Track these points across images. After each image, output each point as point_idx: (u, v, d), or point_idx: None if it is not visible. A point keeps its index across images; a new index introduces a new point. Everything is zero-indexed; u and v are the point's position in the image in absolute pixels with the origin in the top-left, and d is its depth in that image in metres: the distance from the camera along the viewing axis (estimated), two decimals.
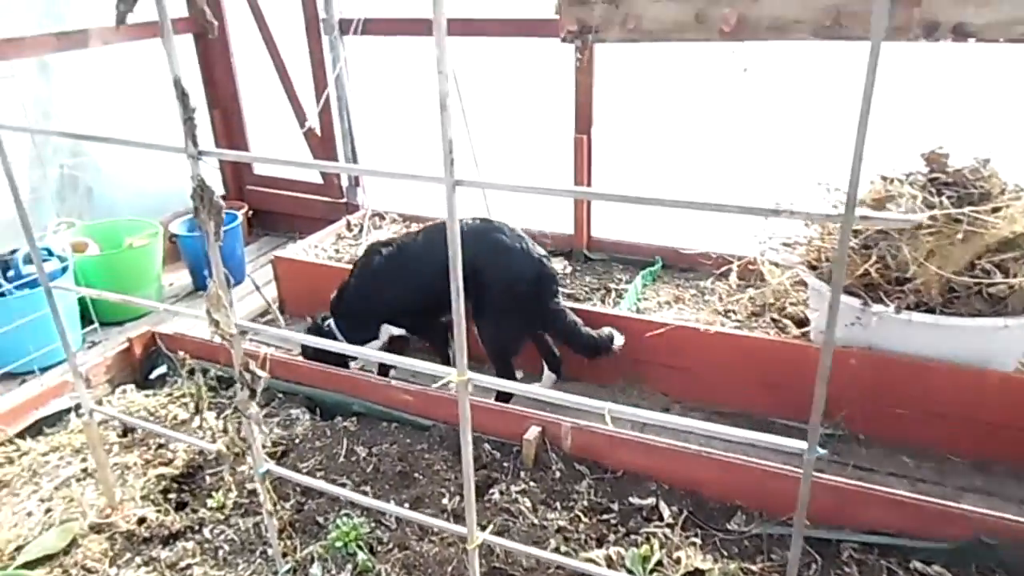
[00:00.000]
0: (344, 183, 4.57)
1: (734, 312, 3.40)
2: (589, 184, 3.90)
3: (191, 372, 2.94)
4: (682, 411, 3.13)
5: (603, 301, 3.66)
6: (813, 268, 2.84)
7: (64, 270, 3.54)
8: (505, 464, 2.54)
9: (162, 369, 3.27)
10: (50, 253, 3.62)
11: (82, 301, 3.66)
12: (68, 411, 2.95)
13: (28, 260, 3.50)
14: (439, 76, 1.34)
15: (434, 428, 2.72)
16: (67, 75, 3.98)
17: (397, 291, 3.04)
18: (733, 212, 1.28)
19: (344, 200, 4.59)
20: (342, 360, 3.11)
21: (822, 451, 1.28)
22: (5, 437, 2.76)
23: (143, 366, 3.26)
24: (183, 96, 1.52)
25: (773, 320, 3.18)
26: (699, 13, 2.82)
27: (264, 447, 2.67)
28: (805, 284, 3.02)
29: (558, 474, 2.48)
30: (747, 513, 2.28)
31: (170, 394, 3.05)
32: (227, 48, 4.55)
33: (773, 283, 3.11)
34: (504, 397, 2.98)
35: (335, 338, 3.08)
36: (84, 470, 2.62)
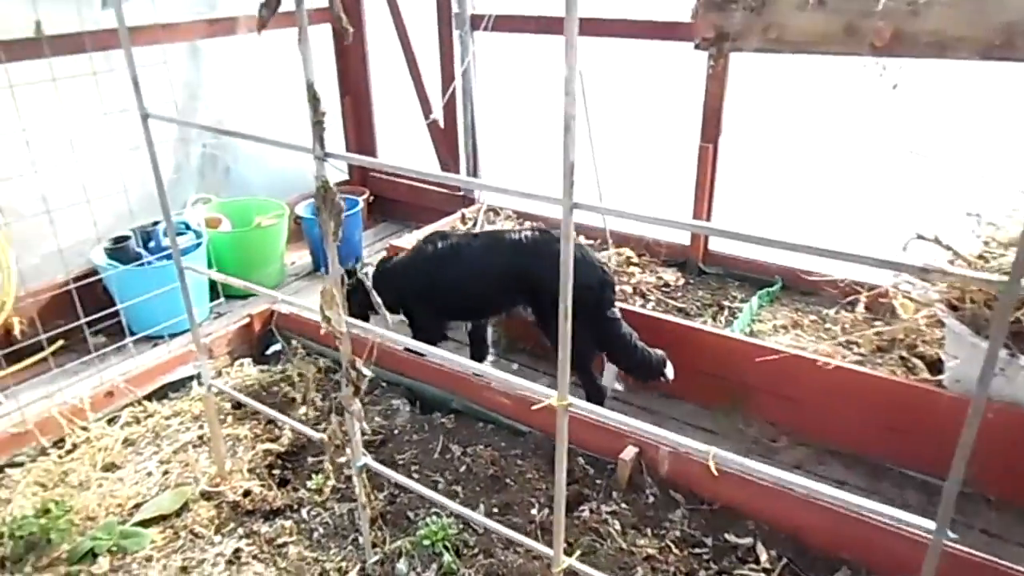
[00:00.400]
0: (462, 172, 4.62)
1: (856, 345, 3.18)
2: (711, 196, 3.76)
3: (306, 354, 3.09)
4: (790, 444, 2.96)
5: (714, 319, 3.52)
6: (954, 308, 2.61)
7: (198, 244, 3.76)
8: (598, 481, 2.49)
9: (277, 346, 3.42)
10: (187, 227, 3.86)
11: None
12: (191, 379, 3.14)
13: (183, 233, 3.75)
14: (566, 98, 1.30)
15: (529, 435, 2.71)
16: (215, 59, 4.21)
17: (439, 285, 3.08)
18: (871, 264, 1.18)
19: (461, 193, 4.64)
20: (364, 314, 3.15)
21: (952, 536, 1.16)
22: (135, 398, 2.98)
23: (260, 342, 3.43)
24: (314, 100, 1.55)
25: (901, 359, 2.95)
26: (849, 25, 2.63)
27: (364, 434, 2.74)
28: (942, 324, 2.77)
29: (651, 499, 2.41)
30: (853, 570, 2.12)
31: (283, 371, 3.19)
32: (362, 39, 4.69)
33: (906, 319, 2.87)
34: (596, 399, 2.98)
35: (365, 289, 3.09)
36: (200, 437, 2.78)
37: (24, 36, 3.16)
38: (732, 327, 3.33)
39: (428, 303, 3.15)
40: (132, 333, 3.46)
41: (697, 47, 3.12)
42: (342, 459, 2.01)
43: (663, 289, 3.75)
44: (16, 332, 3.48)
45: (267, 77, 4.47)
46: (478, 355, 3.43)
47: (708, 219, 3.83)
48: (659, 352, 2.97)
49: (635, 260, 3.96)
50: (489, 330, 3.49)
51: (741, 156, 3.76)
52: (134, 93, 1.97)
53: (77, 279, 3.41)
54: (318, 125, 1.57)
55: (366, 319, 3.18)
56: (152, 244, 3.69)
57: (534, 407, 1.54)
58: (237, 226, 4.19)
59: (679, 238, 3.97)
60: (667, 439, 1.45)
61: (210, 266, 3.75)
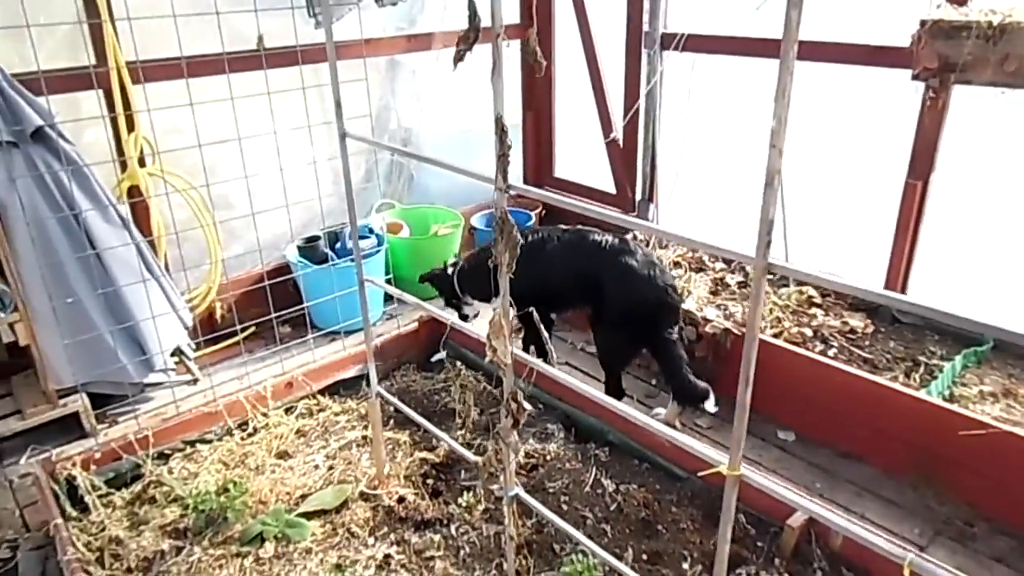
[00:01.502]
0: (637, 197, 4.51)
1: None
2: (915, 240, 3.39)
3: (466, 366, 3.13)
4: (989, 531, 2.59)
5: (908, 376, 3.16)
6: None
7: (379, 249, 3.96)
8: (759, 544, 2.31)
9: (442, 355, 3.51)
10: (370, 231, 4.07)
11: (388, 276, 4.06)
12: (361, 378, 3.30)
13: (368, 237, 3.98)
14: (771, 151, 1.19)
15: (687, 481, 2.57)
16: (409, 72, 4.42)
17: (520, 274, 2.98)
18: None
19: (635, 214, 4.53)
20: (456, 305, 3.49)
21: None
22: (310, 391, 3.17)
23: (427, 349, 3.54)
24: (502, 133, 1.54)
25: None
26: None
27: (517, 458, 2.74)
28: None
29: (819, 573, 2.19)
30: None
31: (445, 381, 3.27)
32: (549, 55, 4.72)
33: None
34: (615, 392, 3.13)
35: (450, 282, 3.42)
36: (364, 438, 2.91)
37: (248, 48, 3.48)
38: (929, 388, 2.97)
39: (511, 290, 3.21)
40: (314, 327, 3.70)
41: (916, 77, 2.81)
42: (495, 486, 2.00)
43: (848, 336, 3.43)
44: (217, 316, 3.85)
45: (456, 90, 4.62)
46: (531, 342, 3.58)
47: (909, 264, 3.46)
48: (704, 384, 2.99)
49: (817, 300, 3.66)
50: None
51: (953, 198, 3.36)
52: (335, 113, 2.08)
53: (271, 274, 3.71)
54: (503, 158, 1.56)
55: (459, 310, 3.51)
56: (339, 246, 3.93)
57: (701, 473, 1.43)
58: (415, 233, 4.37)
59: (873, 280, 3.62)
60: (849, 530, 1.29)
61: (388, 270, 3.94)
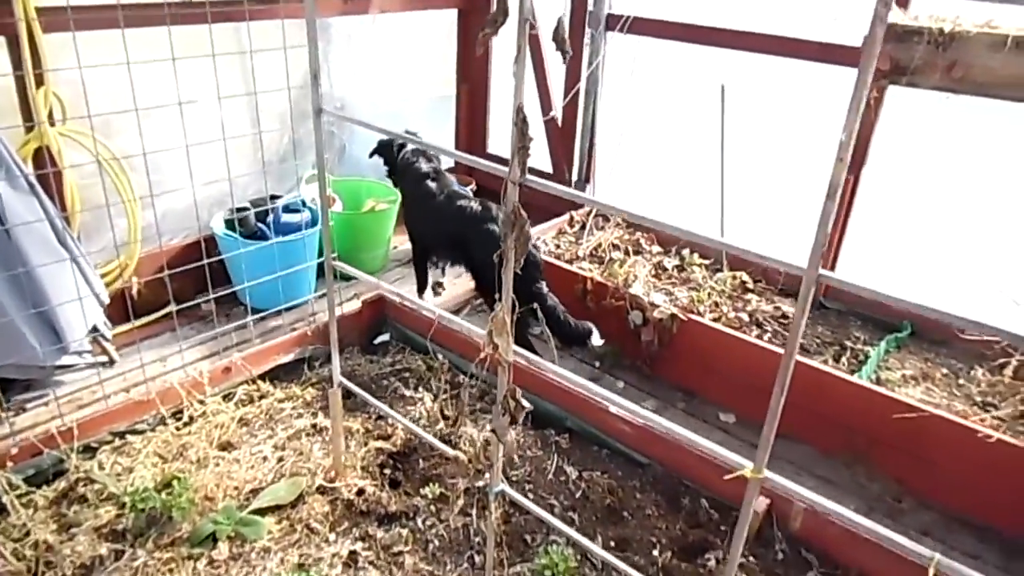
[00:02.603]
0: (573, 177, 4.51)
1: (995, 407, 2.98)
2: (843, 230, 3.57)
3: (412, 349, 3.03)
4: (915, 506, 2.79)
5: (836, 360, 3.34)
6: None
7: (314, 222, 3.76)
8: (723, 528, 2.38)
9: (385, 337, 3.40)
10: (303, 204, 3.86)
11: (320, 252, 3.87)
12: (302, 362, 3.14)
13: (287, 209, 3.76)
14: (836, 164, 1.19)
15: (649, 467, 2.61)
16: (340, 38, 4.19)
17: (409, 212, 3.76)
18: None
19: None
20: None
21: None
22: (250, 376, 2.99)
23: (369, 330, 3.41)
24: (523, 124, 1.47)
25: None
26: None
27: (472, 446, 2.69)
28: None
29: (781, 555, 2.29)
30: None
31: (393, 365, 3.16)
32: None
33: None
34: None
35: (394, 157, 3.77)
36: (314, 426, 2.77)
37: None
38: (860, 373, 3.16)
39: (409, 213, 3.76)
40: (242, 305, 3.49)
41: None
42: (480, 483, 1.96)
43: (780, 321, 3.59)
44: (134, 292, 3.55)
45: (391, 58, 4.43)
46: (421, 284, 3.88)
47: (837, 253, 3.65)
48: (586, 323, 3.24)
49: (751, 286, 3.80)
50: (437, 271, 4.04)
51: (880, 191, 3.56)
52: (311, 85, 1.92)
53: (190, 248, 3.46)
54: (522, 151, 1.48)
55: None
56: (270, 219, 3.70)
57: (726, 477, 1.44)
58: (348, 207, 4.18)
59: (800, 264, 3.78)
60: (824, 505, 1.34)
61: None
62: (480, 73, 4.75)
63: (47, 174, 2.99)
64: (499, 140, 4.95)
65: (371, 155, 3.87)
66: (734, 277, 3.80)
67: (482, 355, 1.75)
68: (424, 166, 3.67)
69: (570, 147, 4.45)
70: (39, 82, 2.97)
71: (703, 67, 3.98)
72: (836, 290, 3.72)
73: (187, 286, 3.41)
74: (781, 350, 3.23)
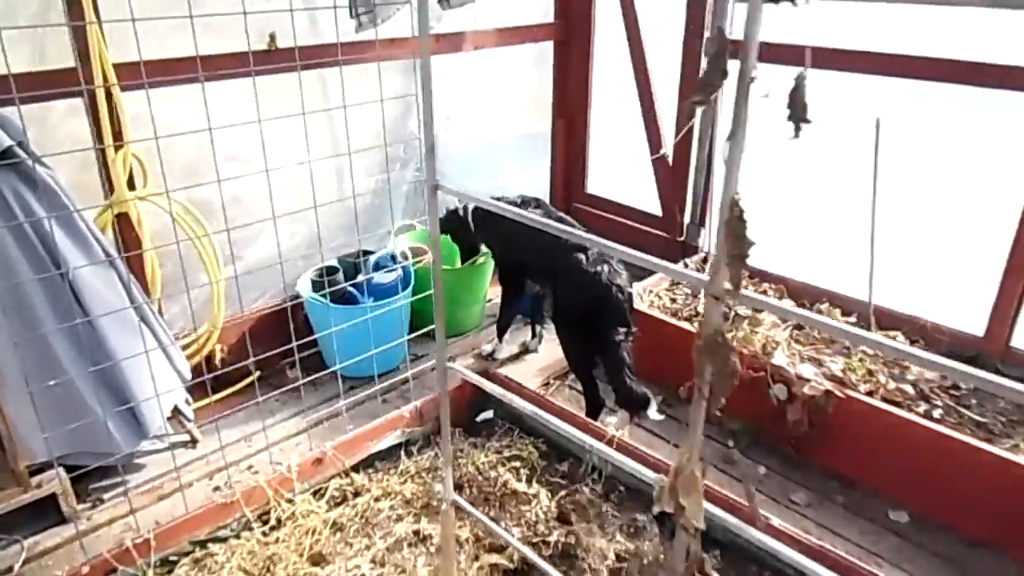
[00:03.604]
0: (686, 220, 4.06)
1: None
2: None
3: (520, 431, 2.63)
4: None
5: None
6: None
7: (407, 282, 3.43)
8: None
9: (488, 414, 3.02)
10: (393, 259, 3.54)
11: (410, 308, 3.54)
12: (399, 447, 2.79)
13: (377, 266, 3.44)
14: None
15: None
16: (438, 78, 3.88)
17: (508, 240, 3.39)
18: None
19: (682, 239, 4.08)
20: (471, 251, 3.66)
21: None
22: (343, 468, 2.65)
23: (470, 406, 3.04)
24: (737, 221, 1.06)
25: None
26: None
27: (604, 556, 2.27)
28: None
29: None
30: None
31: (500, 451, 2.77)
32: (587, 56, 4.22)
33: None
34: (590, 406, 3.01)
35: (465, 223, 3.48)
36: (416, 532, 2.41)
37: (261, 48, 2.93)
38: None
39: (504, 251, 3.47)
40: (326, 366, 3.20)
41: None
42: None
43: (951, 393, 3.02)
44: (217, 360, 3.29)
45: (483, 97, 4.10)
46: (535, 321, 3.66)
47: (1018, 307, 3.07)
48: (644, 390, 2.88)
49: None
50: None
51: None
52: (425, 161, 1.56)
53: (278, 307, 3.18)
54: (737, 260, 1.07)
55: (475, 252, 3.64)
56: (360, 276, 3.39)
57: None
58: (446, 260, 3.84)
59: (970, 326, 3.22)
60: None
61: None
62: (579, 107, 4.36)
63: (127, 243, 2.77)
64: (599, 180, 4.55)
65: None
66: (888, 335, 3.26)
67: (656, 509, 1.33)
68: (520, 198, 3.43)
69: (682, 188, 4.00)
70: (117, 143, 2.74)
71: (850, 97, 3.48)
72: (1018, 354, 3.13)
73: (270, 351, 3.13)
74: (957, 433, 2.70)
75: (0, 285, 2.34)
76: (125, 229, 2.85)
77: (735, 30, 3.62)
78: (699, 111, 3.78)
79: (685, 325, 3.31)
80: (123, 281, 2.69)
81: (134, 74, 2.63)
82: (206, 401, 3.15)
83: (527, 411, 1.76)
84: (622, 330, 2.90)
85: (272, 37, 3.02)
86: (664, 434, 3.09)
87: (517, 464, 2.68)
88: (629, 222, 4.28)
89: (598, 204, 4.48)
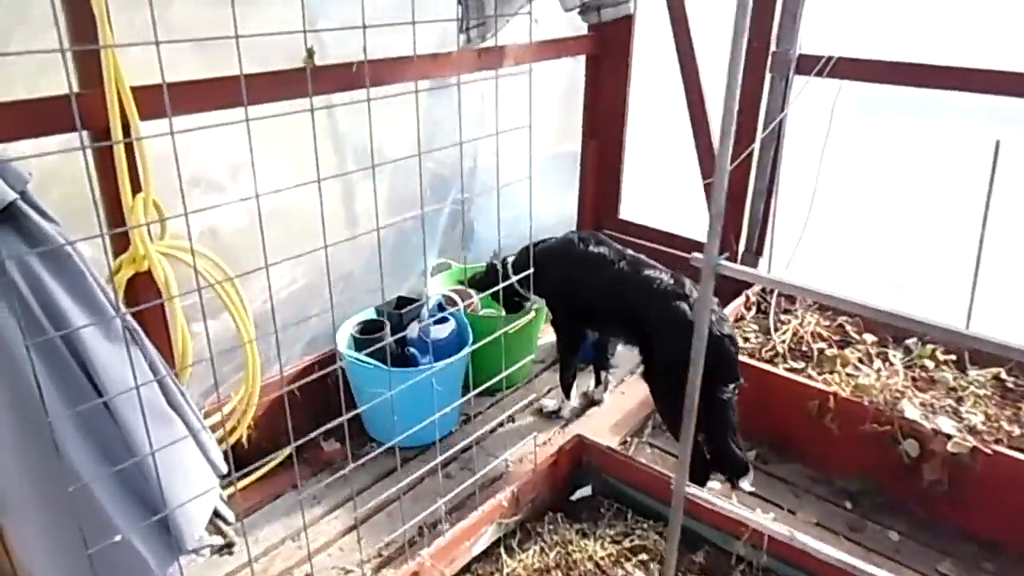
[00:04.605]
0: (741, 247, 3.75)
1: None
2: None
3: (629, 508, 2.23)
4: None
5: None
6: None
7: (462, 333, 2.97)
8: None
9: (586, 491, 2.59)
10: (440, 307, 3.07)
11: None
12: (497, 544, 2.33)
13: (436, 317, 2.96)
14: None
15: None
16: (477, 98, 3.43)
17: (573, 285, 2.97)
18: None
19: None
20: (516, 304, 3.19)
21: None
22: None
23: (564, 479, 2.60)
24: None
25: None
26: None
27: None
28: None
29: None
30: None
31: (614, 539, 2.35)
32: (624, 72, 3.86)
33: None
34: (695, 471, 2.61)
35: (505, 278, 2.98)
36: None
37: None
38: None
39: (563, 299, 3.05)
40: (371, 439, 2.72)
41: None
42: None
43: None
44: (243, 438, 2.75)
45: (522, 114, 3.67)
46: (599, 367, 3.29)
47: None
48: (746, 458, 2.62)
49: (1010, 385, 3.01)
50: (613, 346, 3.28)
51: None
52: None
53: (308, 369, 2.70)
54: None
55: (518, 308, 3.18)
56: (413, 333, 2.90)
57: None
58: (485, 303, 3.39)
59: None
60: None
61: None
62: (613, 127, 3.99)
63: (148, 308, 2.21)
64: (633, 204, 4.19)
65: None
66: (995, 378, 3.02)
67: None
68: (574, 235, 3.04)
69: (739, 214, 3.68)
70: (134, 185, 2.19)
71: (932, 115, 3.26)
72: None
73: (302, 422, 2.62)
74: None
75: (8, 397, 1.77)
76: (142, 291, 2.29)
77: (806, 44, 3.39)
78: (759, 132, 3.48)
79: (790, 374, 2.97)
80: (147, 356, 2.13)
81: (154, 102, 2.11)
82: (230, 491, 2.61)
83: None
84: (731, 386, 2.54)
85: (310, 53, 2.52)
86: (765, 494, 2.75)
87: (644, 557, 2.27)
88: (672, 250, 3.92)
89: (633, 231, 4.11)
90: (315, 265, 2.69)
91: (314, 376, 2.09)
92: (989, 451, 2.48)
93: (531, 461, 2.52)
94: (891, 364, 3.08)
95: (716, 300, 2.70)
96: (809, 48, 3.28)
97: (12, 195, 1.75)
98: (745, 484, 2.58)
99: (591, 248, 2.88)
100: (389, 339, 2.68)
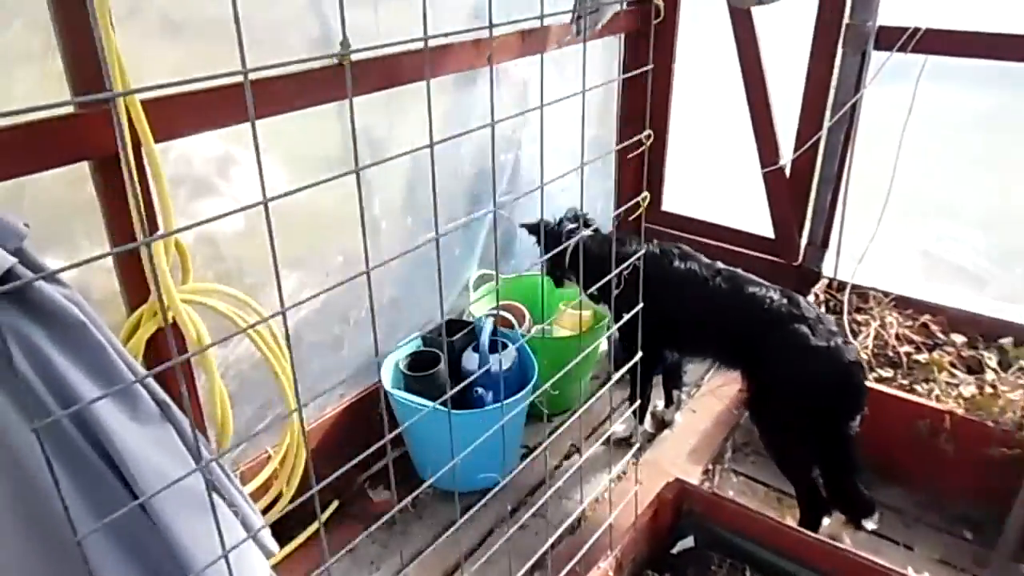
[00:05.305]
0: (803, 240, 3.42)
1: None
2: None
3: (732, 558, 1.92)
4: None
5: None
6: None
7: (523, 363, 2.61)
8: None
9: (688, 542, 2.27)
10: (495, 331, 2.69)
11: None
12: None
13: (496, 344, 2.60)
14: None
15: None
16: (519, 84, 3.03)
17: (657, 301, 2.26)
18: None
19: (798, 264, 3.44)
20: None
21: None
22: None
23: (660, 530, 2.28)
24: None
25: None
26: None
27: None
28: None
29: None
30: None
31: None
32: (670, 50, 3.48)
33: None
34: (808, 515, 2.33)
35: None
36: None
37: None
38: None
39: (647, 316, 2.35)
40: (421, 480, 2.40)
41: None
42: None
43: None
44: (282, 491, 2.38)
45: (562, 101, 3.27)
46: (671, 385, 2.92)
47: None
48: (870, 496, 2.33)
49: None
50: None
51: None
52: None
53: (352, 412, 2.36)
54: None
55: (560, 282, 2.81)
56: (470, 364, 2.54)
57: None
58: (537, 317, 3.03)
59: None
60: None
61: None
62: (656, 111, 3.62)
63: (175, 369, 1.82)
64: (676, 196, 3.84)
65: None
66: None
67: None
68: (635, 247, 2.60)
69: (802, 204, 3.35)
70: (152, 223, 1.78)
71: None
72: None
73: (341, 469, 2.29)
74: None
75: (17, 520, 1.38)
76: (164, 349, 1.90)
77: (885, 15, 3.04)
78: (827, 115, 3.14)
79: (896, 391, 2.66)
80: (180, 433, 1.75)
81: (168, 117, 1.71)
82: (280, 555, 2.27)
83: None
84: (857, 419, 2.24)
85: (344, 47, 2.11)
86: (892, 534, 2.46)
87: None
88: (727, 245, 3.59)
89: (678, 224, 3.77)
90: (332, 279, 2.34)
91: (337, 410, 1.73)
92: None
93: (607, 501, 2.20)
94: (993, 371, 2.81)
95: (833, 319, 2.38)
96: (894, 20, 2.93)
97: (9, 261, 1.35)
98: (870, 524, 2.29)
99: (676, 264, 2.51)
100: (451, 388, 2.32)
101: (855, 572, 1.95)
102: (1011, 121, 3.05)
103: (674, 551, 2.25)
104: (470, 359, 2.52)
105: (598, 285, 2.04)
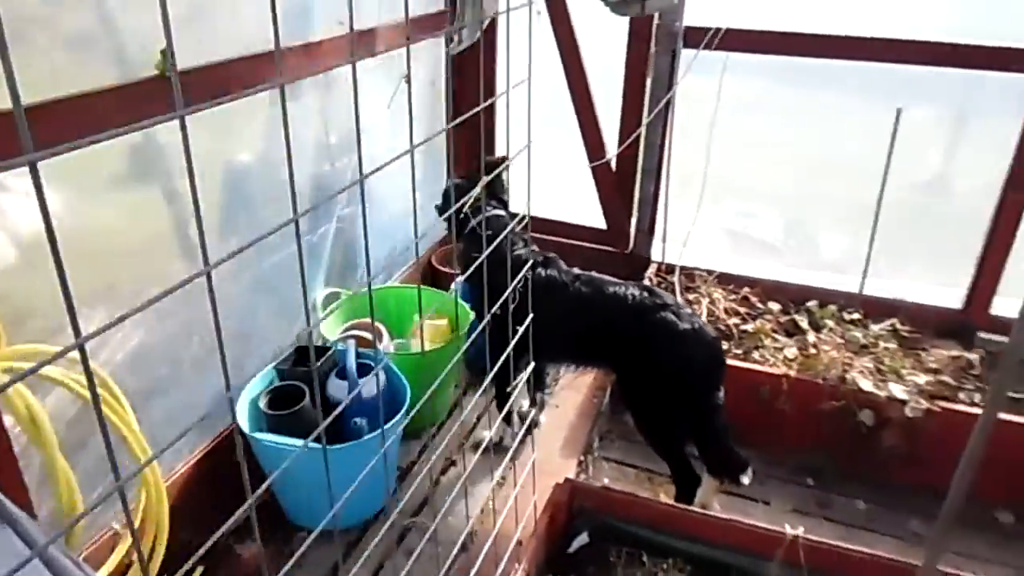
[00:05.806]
0: (632, 229, 3.61)
1: None
2: (1003, 259, 3.10)
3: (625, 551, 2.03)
4: None
5: None
6: None
7: (391, 386, 2.50)
8: None
9: (584, 538, 2.30)
10: (360, 353, 2.55)
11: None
12: None
13: (361, 367, 2.44)
14: None
15: None
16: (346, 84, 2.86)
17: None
18: None
19: (629, 251, 3.63)
20: None
21: None
22: None
23: (554, 529, 2.29)
24: None
25: None
26: None
27: None
28: None
29: None
30: None
31: None
32: (491, 50, 3.49)
33: None
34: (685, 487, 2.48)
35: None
36: None
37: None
38: None
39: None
40: (296, 528, 2.23)
41: None
42: None
43: (971, 375, 3.04)
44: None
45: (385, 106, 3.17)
46: (536, 388, 2.92)
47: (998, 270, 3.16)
48: (743, 453, 2.47)
49: (905, 334, 3.21)
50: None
51: None
52: None
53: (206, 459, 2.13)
54: None
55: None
56: (332, 390, 2.37)
57: None
58: (396, 332, 2.91)
59: (950, 299, 3.28)
60: None
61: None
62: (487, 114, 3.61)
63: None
64: (512, 195, 3.86)
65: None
66: (892, 329, 3.19)
67: None
68: (523, 251, 2.62)
69: (627, 198, 3.54)
70: None
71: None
72: (1001, 321, 3.25)
73: (202, 526, 2.07)
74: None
75: None
76: None
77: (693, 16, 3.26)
78: (646, 111, 3.34)
79: (737, 362, 2.89)
80: (20, 531, 1.45)
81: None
82: None
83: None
84: (722, 389, 2.40)
85: (164, 56, 1.87)
86: (750, 493, 2.67)
87: None
88: (574, 241, 3.70)
89: (543, 227, 3.74)
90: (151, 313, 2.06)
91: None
92: (938, 409, 2.59)
93: (492, 510, 2.19)
94: (807, 332, 3.15)
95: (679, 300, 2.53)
96: (701, 20, 3.16)
97: None
98: (745, 479, 2.45)
99: (539, 271, 2.52)
100: (321, 421, 2.15)
101: (744, 538, 2.10)
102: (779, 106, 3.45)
103: (570, 550, 2.28)
104: (337, 387, 2.36)
105: (467, 273, 1.98)
